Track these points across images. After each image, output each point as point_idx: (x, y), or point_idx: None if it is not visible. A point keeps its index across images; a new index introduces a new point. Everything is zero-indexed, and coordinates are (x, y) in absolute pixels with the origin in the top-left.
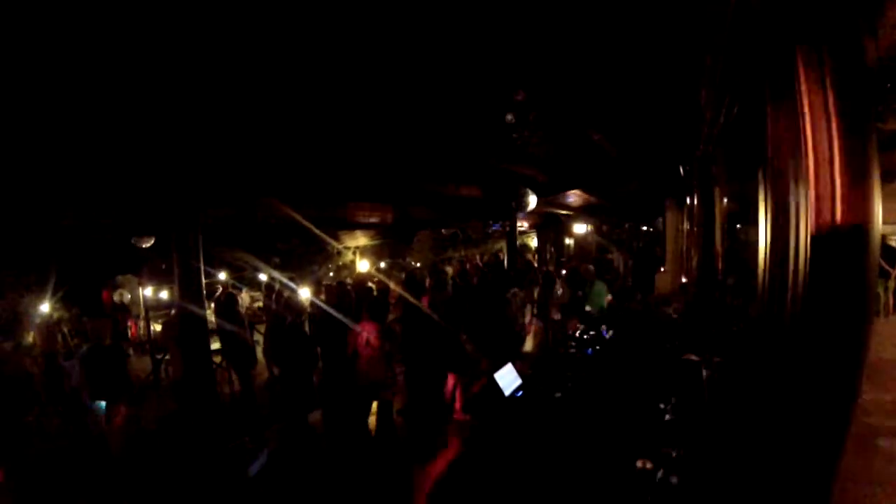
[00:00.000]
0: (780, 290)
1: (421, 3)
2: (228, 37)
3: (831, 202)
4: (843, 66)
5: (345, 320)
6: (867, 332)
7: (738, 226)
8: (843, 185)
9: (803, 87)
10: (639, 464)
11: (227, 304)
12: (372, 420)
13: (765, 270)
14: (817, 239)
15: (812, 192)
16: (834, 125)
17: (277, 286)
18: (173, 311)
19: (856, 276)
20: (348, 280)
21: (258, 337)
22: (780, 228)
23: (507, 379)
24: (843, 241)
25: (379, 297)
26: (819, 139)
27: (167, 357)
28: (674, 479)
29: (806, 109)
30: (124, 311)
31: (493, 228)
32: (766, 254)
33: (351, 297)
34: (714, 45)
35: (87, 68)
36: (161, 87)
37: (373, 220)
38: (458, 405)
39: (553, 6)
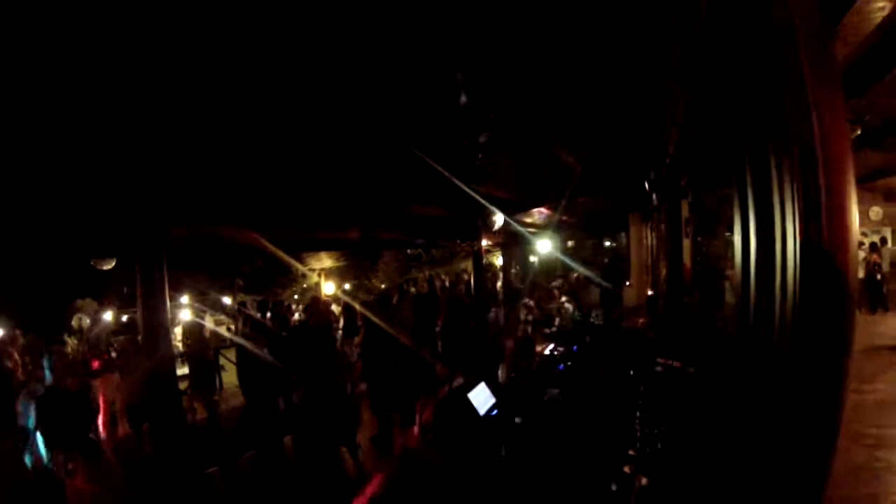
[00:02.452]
0: (766, 298)
1: (383, 26)
2: (190, 56)
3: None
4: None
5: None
6: (852, 336)
7: (701, 238)
8: (831, 194)
9: None
10: (626, 469)
11: (193, 329)
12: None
13: (747, 279)
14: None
15: (800, 202)
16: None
17: (250, 310)
18: (139, 337)
19: (845, 281)
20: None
21: (224, 362)
22: (765, 238)
23: (481, 398)
24: (831, 248)
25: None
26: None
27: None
28: (646, 482)
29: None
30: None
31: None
32: (747, 263)
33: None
34: (682, 58)
35: (41, 82)
36: (120, 108)
37: (337, 241)
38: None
39: (516, 25)
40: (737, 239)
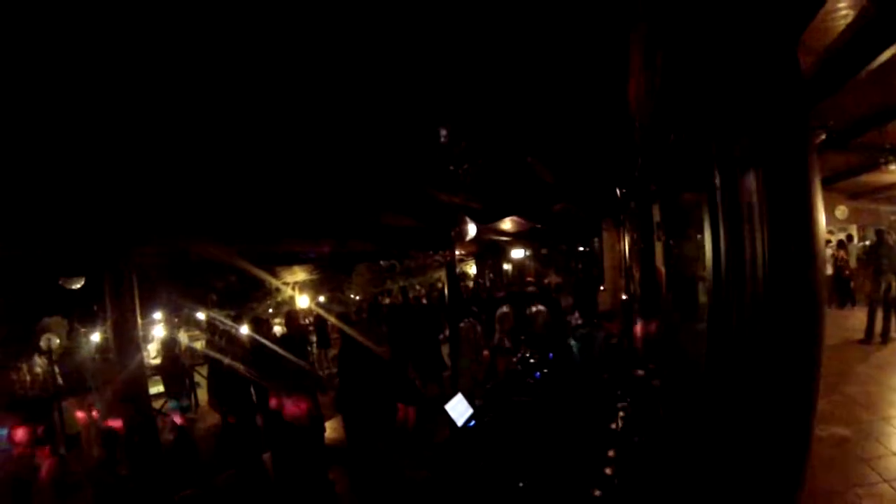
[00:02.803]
0: (739, 296)
1: (351, 36)
2: (157, 72)
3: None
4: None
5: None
6: (823, 329)
7: (674, 241)
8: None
9: None
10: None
11: (167, 347)
12: None
13: (718, 279)
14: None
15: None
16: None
17: (224, 325)
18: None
19: (812, 277)
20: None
21: (199, 379)
22: (735, 240)
23: (459, 409)
24: (799, 246)
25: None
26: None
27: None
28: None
29: None
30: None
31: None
32: (718, 264)
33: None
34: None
35: (14, 98)
36: (84, 121)
37: (310, 254)
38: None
39: (484, 37)
40: (707, 241)
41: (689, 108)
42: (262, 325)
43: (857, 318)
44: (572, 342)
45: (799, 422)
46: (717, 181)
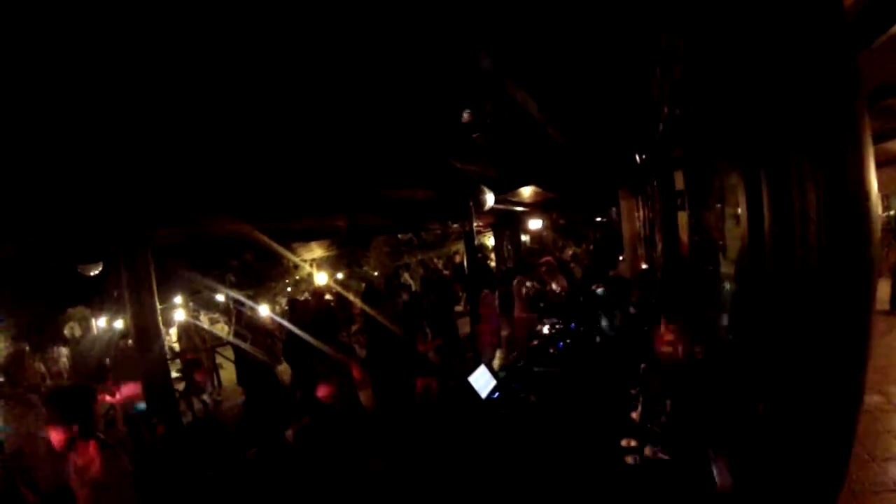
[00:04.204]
0: (785, 270)
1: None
2: (170, 55)
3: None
4: None
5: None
6: (873, 299)
7: (691, 211)
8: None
9: None
10: (623, 442)
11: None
12: None
13: (761, 251)
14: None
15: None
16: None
17: (244, 307)
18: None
19: (870, 246)
20: (306, 295)
21: (220, 360)
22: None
23: (482, 381)
24: (857, 213)
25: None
26: None
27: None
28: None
29: None
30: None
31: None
32: (761, 234)
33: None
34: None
35: (20, 86)
36: (97, 108)
37: (325, 229)
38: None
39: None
40: (742, 210)
41: (723, 60)
42: (296, 306)
43: (880, 288)
44: (600, 314)
45: (848, 391)
46: (757, 142)
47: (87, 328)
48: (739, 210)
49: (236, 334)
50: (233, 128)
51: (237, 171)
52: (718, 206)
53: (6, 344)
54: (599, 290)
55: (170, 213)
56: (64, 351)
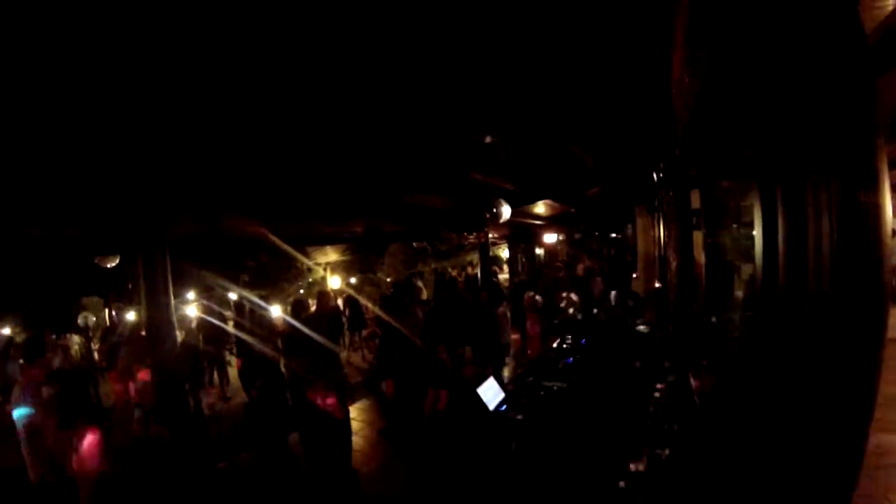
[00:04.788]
0: (798, 292)
1: (389, 9)
2: (190, 50)
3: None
4: None
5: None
6: (886, 328)
7: (707, 231)
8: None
9: None
10: (631, 466)
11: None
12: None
13: (774, 273)
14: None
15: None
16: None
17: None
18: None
19: (881, 271)
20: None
21: (230, 358)
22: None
23: (491, 393)
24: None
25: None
26: None
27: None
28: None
29: None
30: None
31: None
32: (775, 256)
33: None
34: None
35: (47, 76)
36: (120, 102)
37: (341, 234)
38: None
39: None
40: (757, 231)
41: (740, 83)
42: (298, 306)
43: (893, 314)
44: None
45: (857, 419)
46: (773, 165)
47: (107, 317)
48: (754, 232)
49: (245, 330)
50: (257, 130)
51: (259, 173)
52: (734, 226)
53: (20, 329)
54: (612, 295)
55: (190, 209)
56: (76, 339)
